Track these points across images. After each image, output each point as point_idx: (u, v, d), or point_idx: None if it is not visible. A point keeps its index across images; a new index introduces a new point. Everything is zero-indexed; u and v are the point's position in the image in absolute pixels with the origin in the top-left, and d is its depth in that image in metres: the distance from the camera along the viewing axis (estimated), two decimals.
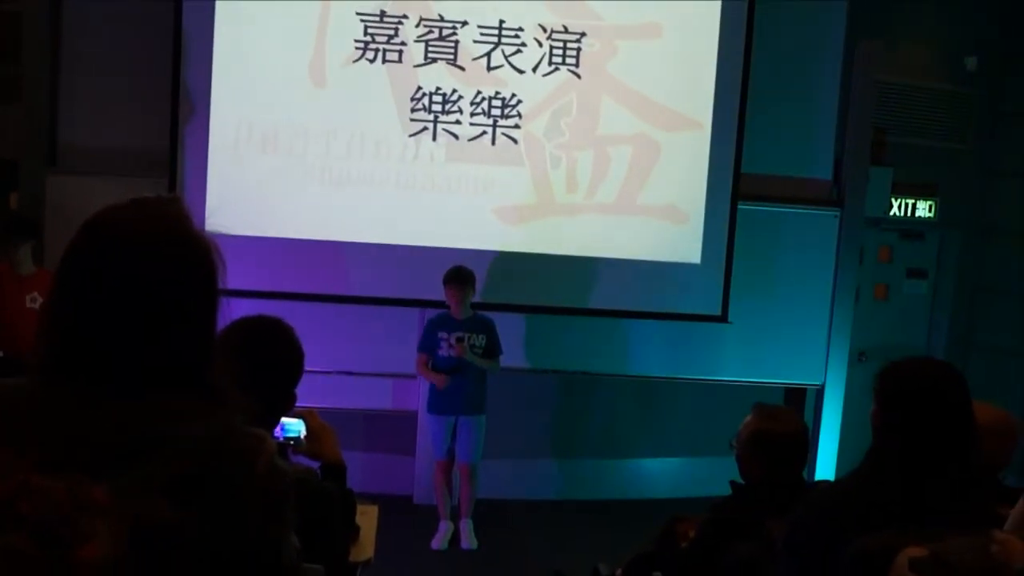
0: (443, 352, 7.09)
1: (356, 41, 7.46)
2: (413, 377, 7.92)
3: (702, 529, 4.21)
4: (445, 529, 7.20)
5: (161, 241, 1.78)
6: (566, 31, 7.63)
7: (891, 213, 9.13)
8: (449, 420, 7.17)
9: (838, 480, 3.58)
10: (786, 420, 4.18)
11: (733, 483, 4.21)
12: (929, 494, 2.94)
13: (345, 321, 7.69)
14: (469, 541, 7.12)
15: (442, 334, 7.09)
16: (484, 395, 7.21)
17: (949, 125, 9.28)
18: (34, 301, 6.64)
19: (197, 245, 1.84)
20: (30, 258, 6.87)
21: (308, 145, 7.48)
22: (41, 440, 1.57)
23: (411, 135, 7.55)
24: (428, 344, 7.16)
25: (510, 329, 7.46)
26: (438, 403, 7.18)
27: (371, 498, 4.34)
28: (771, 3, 7.97)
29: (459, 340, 7.00)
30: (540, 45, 7.61)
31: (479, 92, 7.60)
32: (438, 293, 7.36)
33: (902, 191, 9.09)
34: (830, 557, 2.90)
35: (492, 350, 7.15)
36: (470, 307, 7.13)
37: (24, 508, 1.19)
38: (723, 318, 7.98)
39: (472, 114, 7.60)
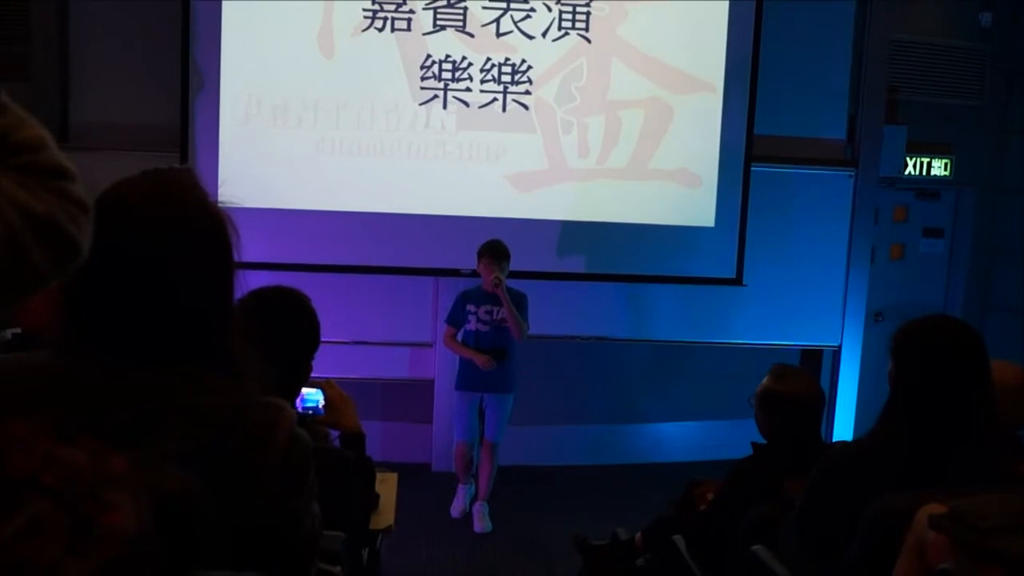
0: (471, 327, 6.91)
1: (364, 10, 7.43)
2: (429, 346, 7.93)
3: (721, 491, 4.24)
4: (464, 492, 7.16)
5: (175, 214, 1.79)
6: None
7: (906, 172, 9.08)
8: (476, 397, 7.00)
9: (855, 440, 3.59)
10: (795, 381, 4.20)
11: (754, 444, 4.23)
12: (947, 452, 2.94)
13: (360, 291, 7.71)
14: (483, 524, 6.99)
15: (470, 307, 6.93)
16: (512, 374, 7.02)
17: (964, 82, 9.21)
18: None
19: (211, 217, 1.84)
20: None
21: (319, 116, 7.48)
22: (61, 413, 1.58)
23: (421, 104, 7.54)
24: (457, 317, 6.99)
25: None
26: (465, 379, 7.00)
27: (390, 466, 4.35)
28: None
29: (496, 278, 6.69)
30: (549, 10, 7.58)
31: (489, 59, 7.58)
32: (451, 261, 7.36)
33: (917, 150, 9.03)
34: (847, 517, 2.91)
35: None
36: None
37: (49, 480, 1.20)
38: (738, 281, 7.97)
39: (482, 81, 7.58)
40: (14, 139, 1.37)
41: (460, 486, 7.17)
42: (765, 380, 4.23)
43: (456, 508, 7.12)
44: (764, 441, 4.24)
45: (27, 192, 1.32)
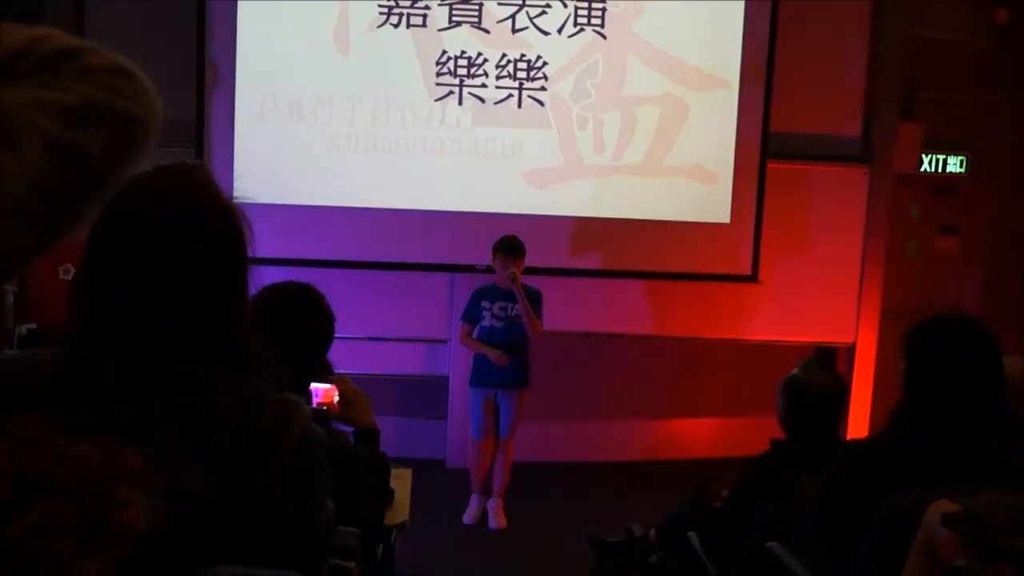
0: (485, 323, 6.89)
1: (380, 6, 7.44)
2: (444, 342, 7.94)
3: (737, 486, 4.24)
4: (477, 503, 7.13)
5: (188, 210, 1.79)
6: None
7: (922, 169, 9.06)
8: (490, 393, 6.96)
9: (869, 437, 3.58)
10: (823, 375, 4.21)
11: (772, 440, 4.23)
12: (960, 449, 2.94)
13: (374, 287, 7.72)
14: (497, 521, 6.99)
15: (485, 303, 6.89)
16: (526, 370, 6.99)
17: (980, 78, 9.18)
18: (67, 272, 6.69)
19: (225, 213, 1.84)
20: None
21: (334, 112, 7.49)
22: (76, 408, 1.59)
23: (437, 100, 7.54)
24: (472, 314, 6.96)
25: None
26: (479, 375, 6.97)
27: (404, 462, 4.35)
28: None
29: (511, 273, 6.65)
30: (565, 6, 7.57)
31: (504, 55, 7.58)
32: (466, 257, 7.37)
33: (932, 146, 9.01)
34: (860, 515, 2.91)
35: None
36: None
37: (61, 476, 1.20)
38: (753, 278, 7.96)
39: (498, 77, 7.58)
40: (8, 47, 1.17)
41: (473, 495, 7.12)
42: (795, 369, 4.24)
43: (469, 516, 7.05)
44: (781, 436, 4.24)
45: (50, 89, 1.15)
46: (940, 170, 9.17)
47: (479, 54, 7.55)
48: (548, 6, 7.55)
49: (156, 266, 1.74)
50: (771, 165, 7.89)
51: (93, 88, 1.18)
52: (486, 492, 7.09)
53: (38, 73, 1.16)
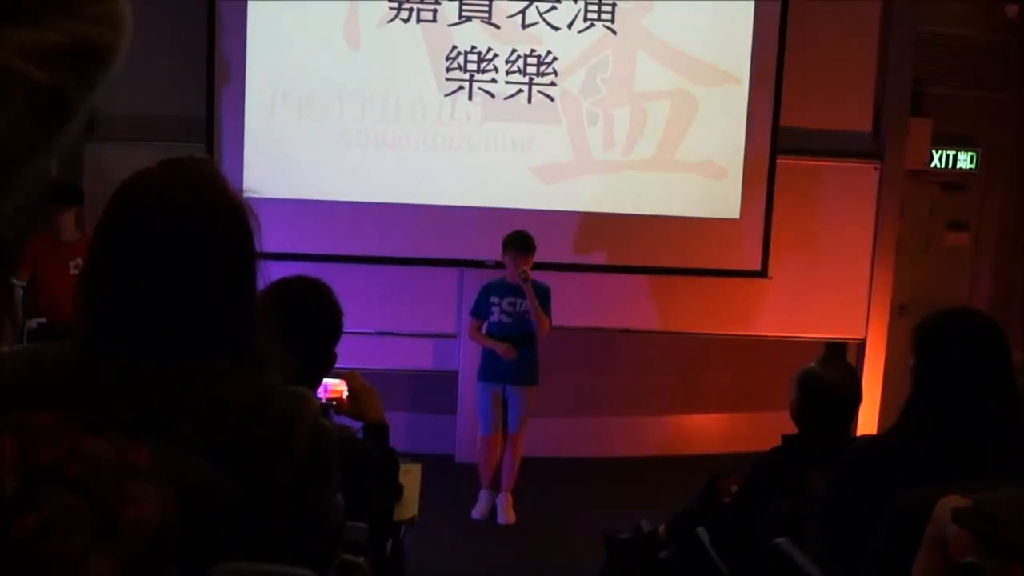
0: (495, 318, 6.89)
1: (390, 1, 7.44)
2: (453, 337, 7.94)
3: (746, 482, 4.23)
4: (486, 498, 7.13)
5: (195, 204, 1.79)
6: None
7: (932, 165, 9.04)
8: (498, 388, 6.96)
9: (878, 434, 3.58)
10: (839, 372, 4.19)
11: (784, 435, 4.22)
12: (969, 446, 2.93)
13: (384, 282, 7.71)
14: (506, 516, 6.99)
15: (494, 299, 6.89)
16: (534, 366, 6.98)
17: (990, 74, 9.14)
18: (77, 267, 6.71)
19: (232, 207, 1.84)
20: (74, 224, 6.96)
21: (344, 107, 7.49)
22: (83, 405, 1.59)
23: (447, 95, 7.54)
24: (481, 309, 6.96)
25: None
26: (487, 370, 6.98)
27: (413, 457, 4.35)
28: None
29: (522, 272, 6.66)
30: (575, 1, 7.57)
31: (514, 50, 7.57)
32: (476, 252, 7.36)
33: (942, 142, 8.99)
34: (870, 511, 2.90)
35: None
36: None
37: (73, 471, 1.20)
38: (763, 273, 7.95)
39: (508, 72, 7.57)
40: None
41: (482, 491, 7.11)
42: (812, 362, 4.23)
43: (478, 511, 7.04)
44: (791, 431, 4.23)
45: (35, 30, 1.19)
46: (950, 166, 9.15)
47: (489, 49, 7.54)
48: (558, 1, 7.54)
49: (162, 262, 1.74)
50: (781, 161, 7.88)
51: (79, 22, 1.22)
52: (495, 487, 7.09)
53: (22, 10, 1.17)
